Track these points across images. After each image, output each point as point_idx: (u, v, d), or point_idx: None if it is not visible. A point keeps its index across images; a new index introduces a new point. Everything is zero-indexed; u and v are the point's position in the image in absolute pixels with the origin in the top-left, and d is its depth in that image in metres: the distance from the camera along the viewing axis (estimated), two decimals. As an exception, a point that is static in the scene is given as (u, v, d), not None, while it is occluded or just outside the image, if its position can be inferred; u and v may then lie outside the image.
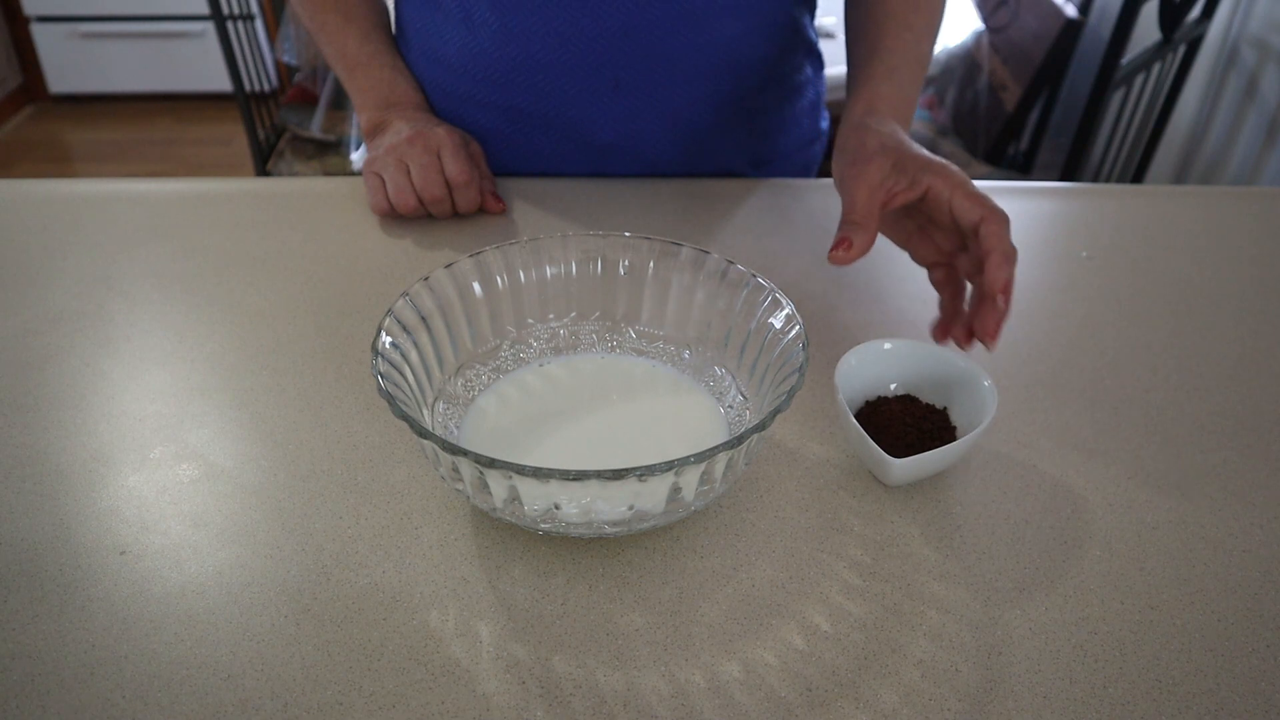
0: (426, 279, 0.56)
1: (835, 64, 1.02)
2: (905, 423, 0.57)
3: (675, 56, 0.81)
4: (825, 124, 1.00)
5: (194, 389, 0.63)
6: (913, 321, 0.71)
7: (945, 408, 0.59)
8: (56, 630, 0.47)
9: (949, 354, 0.59)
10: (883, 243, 0.81)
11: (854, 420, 0.55)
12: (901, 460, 0.53)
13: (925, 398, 0.60)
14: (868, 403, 0.60)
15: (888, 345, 0.60)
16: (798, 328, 0.53)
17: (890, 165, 0.63)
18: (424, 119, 0.83)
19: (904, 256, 0.81)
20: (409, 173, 0.78)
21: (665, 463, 0.44)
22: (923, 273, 0.76)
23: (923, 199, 0.62)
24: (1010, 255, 0.58)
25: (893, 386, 0.60)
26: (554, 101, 0.84)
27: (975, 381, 0.57)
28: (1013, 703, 0.44)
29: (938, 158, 0.63)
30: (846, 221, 0.63)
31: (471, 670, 0.45)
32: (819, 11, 0.92)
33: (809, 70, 0.93)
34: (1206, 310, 0.74)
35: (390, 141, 0.80)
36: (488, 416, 0.58)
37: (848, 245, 0.61)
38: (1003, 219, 0.59)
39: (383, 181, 0.79)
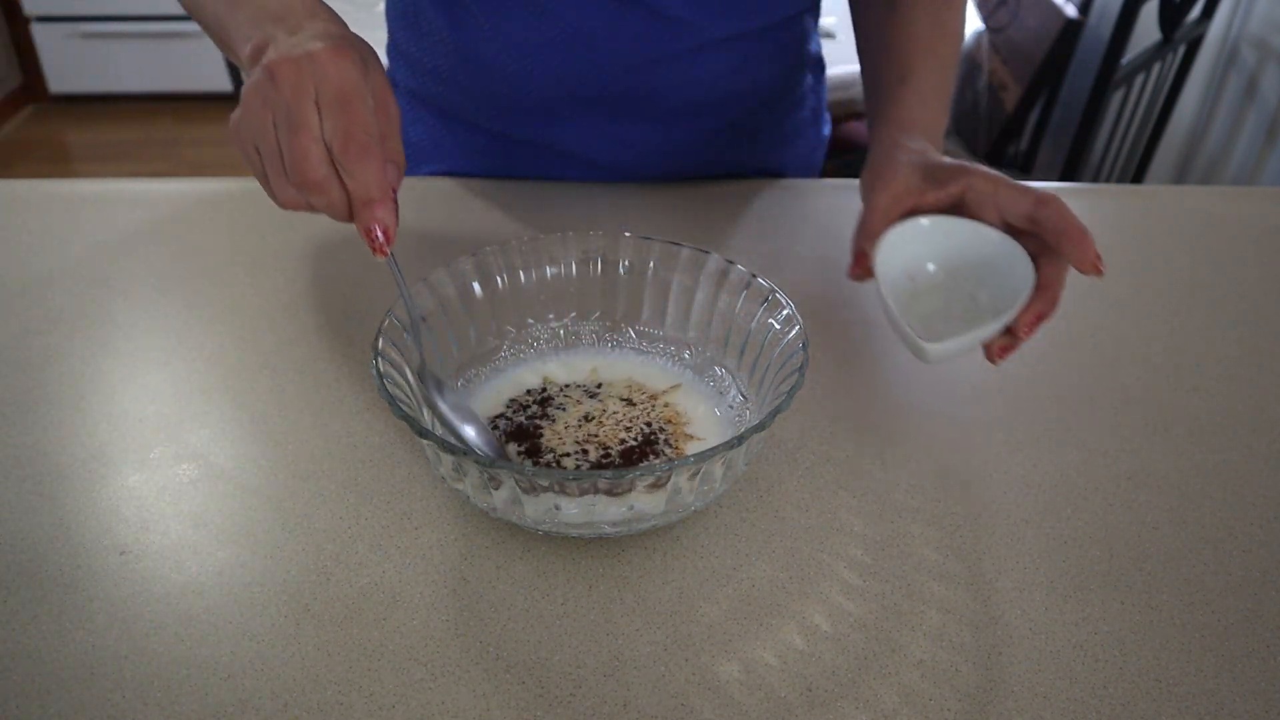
0: (426, 279, 0.56)
1: (835, 64, 1.02)
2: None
3: (675, 89, 0.81)
4: (827, 130, 1.00)
5: (194, 389, 0.63)
6: (913, 321, 0.71)
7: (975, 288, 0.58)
8: (56, 630, 0.47)
9: (986, 230, 0.57)
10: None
11: (889, 300, 0.54)
12: (936, 345, 0.52)
13: (963, 276, 0.58)
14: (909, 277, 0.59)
15: (925, 222, 0.58)
16: (798, 328, 0.53)
17: (920, 176, 0.59)
18: (312, 29, 0.52)
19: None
20: (275, 139, 0.49)
21: (665, 463, 0.44)
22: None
23: (962, 203, 0.58)
24: (1085, 229, 0.53)
25: (930, 268, 0.58)
26: (551, 130, 0.83)
27: (1013, 257, 0.55)
28: (1013, 703, 0.44)
29: (972, 163, 0.59)
30: (862, 232, 0.59)
31: (471, 670, 0.45)
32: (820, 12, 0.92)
33: (810, 80, 0.92)
34: (1206, 310, 0.74)
35: (253, 79, 0.50)
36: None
37: (863, 259, 0.57)
38: (1058, 200, 0.55)
39: (258, 155, 0.51)
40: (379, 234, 0.48)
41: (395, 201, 0.50)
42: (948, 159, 0.61)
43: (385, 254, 0.49)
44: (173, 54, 3.22)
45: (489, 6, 0.76)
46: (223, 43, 0.59)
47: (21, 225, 0.80)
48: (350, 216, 0.50)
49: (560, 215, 0.83)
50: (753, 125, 0.87)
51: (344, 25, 0.54)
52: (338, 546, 0.52)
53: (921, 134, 0.65)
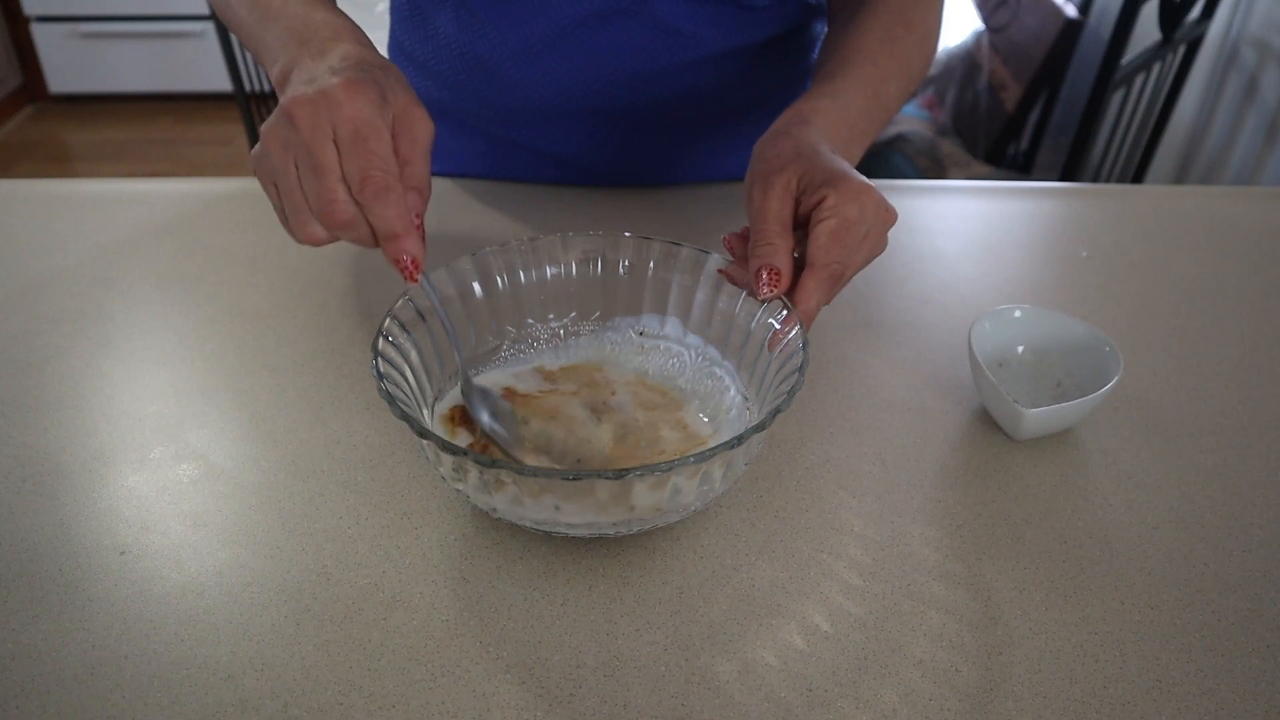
0: (427, 279, 0.56)
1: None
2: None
3: (678, 100, 0.81)
4: None
5: (194, 389, 0.63)
6: (912, 322, 0.71)
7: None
8: (56, 630, 0.47)
9: (1072, 322, 0.63)
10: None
11: (988, 373, 0.59)
12: (1034, 410, 0.57)
13: (1049, 362, 0.64)
14: (1000, 364, 0.64)
15: (1018, 313, 0.64)
16: (798, 328, 0.53)
17: (798, 177, 0.55)
18: (335, 58, 0.52)
19: (902, 258, 0.81)
20: (297, 179, 0.50)
21: (665, 463, 0.44)
22: (924, 273, 0.76)
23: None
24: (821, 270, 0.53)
25: (1020, 349, 0.64)
26: (552, 136, 0.83)
27: (1098, 346, 0.61)
28: (1013, 703, 0.44)
29: (849, 171, 0.55)
30: (760, 242, 0.55)
31: (471, 670, 0.45)
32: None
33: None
34: (1206, 310, 0.74)
35: (271, 119, 0.51)
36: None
37: (775, 276, 0.53)
38: (829, 236, 0.53)
39: (277, 192, 0.52)
40: (408, 263, 0.50)
41: (421, 229, 0.51)
42: (834, 160, 0.56)
43: (416, 280, 0.51)
44: (173, 54, 3.22)
45: (495, 12, 0.76)
46: (256, 55, 0.59)
47: (21, 225, 0.80)
48: (378, 246, 0.51)
49: (560, 216, 0.83)
50: (755, 133, 0.87)
51: (369, 45, 0.55)
52: (338, 546, 0.52)
53: (821, 125, 0.60)
